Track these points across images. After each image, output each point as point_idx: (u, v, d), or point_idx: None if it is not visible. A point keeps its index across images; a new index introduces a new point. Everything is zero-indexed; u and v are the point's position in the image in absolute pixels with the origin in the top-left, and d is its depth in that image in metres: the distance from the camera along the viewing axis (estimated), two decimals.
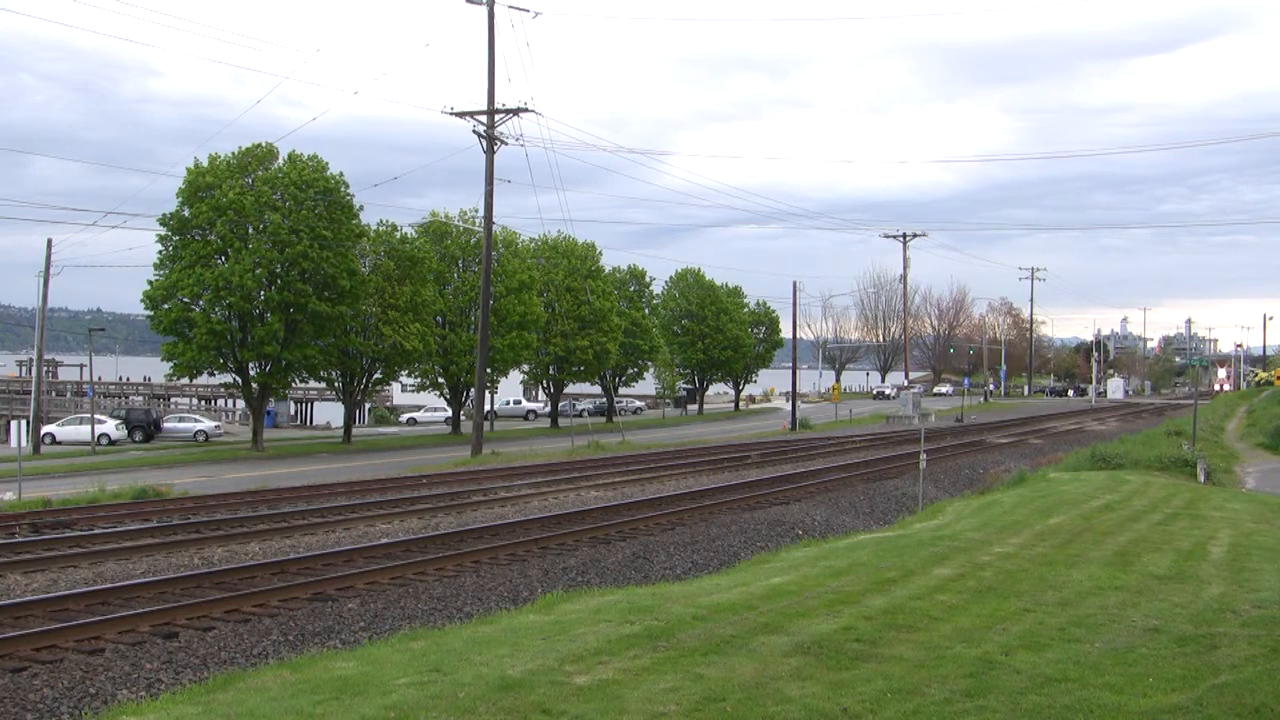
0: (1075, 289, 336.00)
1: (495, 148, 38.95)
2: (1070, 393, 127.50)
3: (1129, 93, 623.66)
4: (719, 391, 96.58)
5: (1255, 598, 12.02)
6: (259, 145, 44.86)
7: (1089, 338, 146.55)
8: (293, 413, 74.93)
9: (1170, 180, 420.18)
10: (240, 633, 12.38)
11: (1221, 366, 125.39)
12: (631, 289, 74.81)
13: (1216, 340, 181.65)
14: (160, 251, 43.65)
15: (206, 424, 56.98)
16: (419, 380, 57.05)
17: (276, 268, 43.05)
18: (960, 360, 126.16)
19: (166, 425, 56.61)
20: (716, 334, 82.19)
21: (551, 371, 66.18)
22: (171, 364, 43.87)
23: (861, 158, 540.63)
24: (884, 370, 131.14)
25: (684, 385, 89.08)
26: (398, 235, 51.71)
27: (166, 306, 43.14)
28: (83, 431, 50.01)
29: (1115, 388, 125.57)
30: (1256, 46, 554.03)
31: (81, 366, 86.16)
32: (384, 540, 18.56)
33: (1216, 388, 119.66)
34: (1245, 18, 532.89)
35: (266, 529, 19.83)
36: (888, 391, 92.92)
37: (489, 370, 50.87)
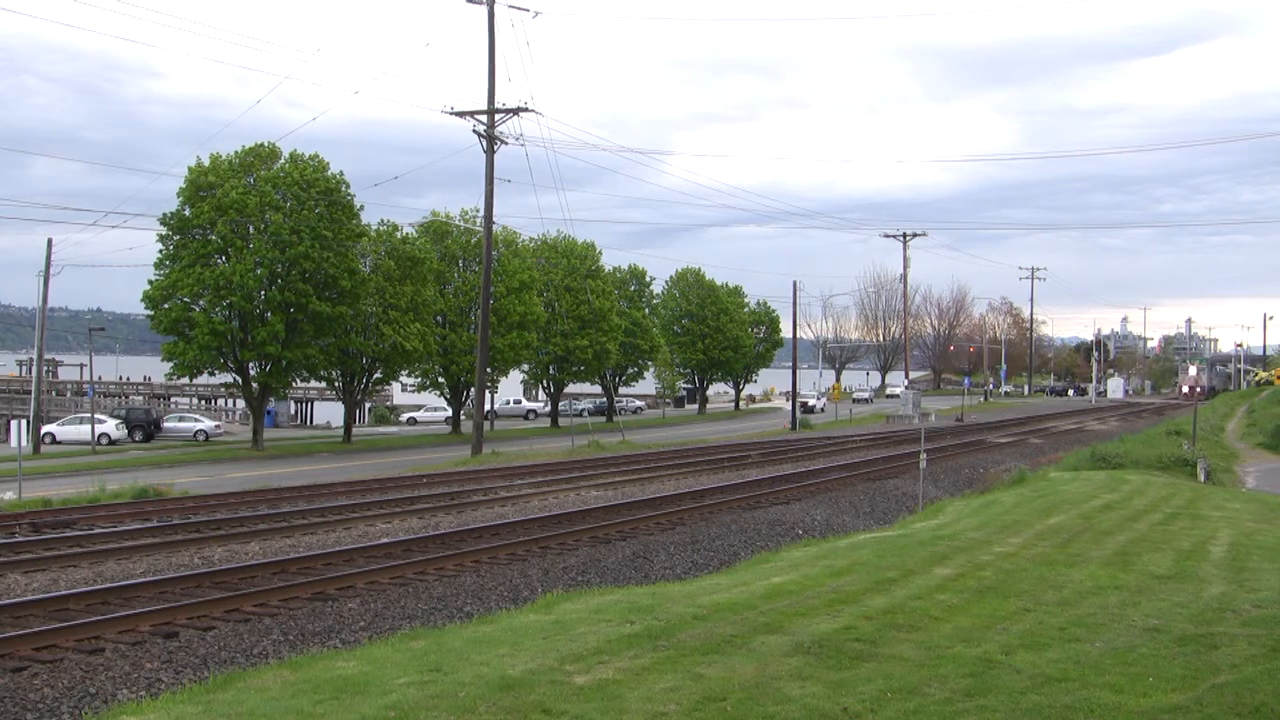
0: (1075, 289, 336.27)
1: (495, 147, 38.95)
2: (1070, 392, 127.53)
3: (1125, 94, 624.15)
4: (719, 391, 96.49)
5: (1256, 597, 12.02)
6: (262, 145, 44.86)
7: (1089, 337, 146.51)
8: (293, 412, 74.90)
9: (1168, 181, 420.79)
10: (240, 632, 12.38)
11: (1193, 364, 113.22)
12: (631, 289, 74.83)
13: (1217, 340, 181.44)
14: (161, 251, 43.65)
15: (206, 424, 56.95)
16: (419, 380, 57.06)
17: (277, 267, 43.04)
18: (960, 360, 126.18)
19: (166, 425, 56.58)
20: (717, 334, 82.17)
21: (551, 371, 66.19)
22: (171, 364, 43.85)
23: (859, 158, 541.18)
24: (884, 370, 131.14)
25: (684, 385, 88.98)
26: (398, 235, 51.72)
27: (166, 306, 43.13)
28: (83, 431, 49.99)
29: (1115, 387, 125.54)
30: (1251, 49, 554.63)
31: (81, 366, 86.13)
32: (384, 540, 18.55)
33: (1185, 389, 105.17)
34: (1239, 20, 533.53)
35: (267, 528, 19.83)
36: (813, 403, 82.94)
37: (489, 370, 50.88)
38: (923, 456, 25.08)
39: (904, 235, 79.41)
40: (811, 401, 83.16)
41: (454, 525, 20.79)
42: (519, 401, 78.90)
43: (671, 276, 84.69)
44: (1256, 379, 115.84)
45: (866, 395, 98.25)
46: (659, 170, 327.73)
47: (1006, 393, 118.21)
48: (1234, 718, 7.50)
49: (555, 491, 26.55)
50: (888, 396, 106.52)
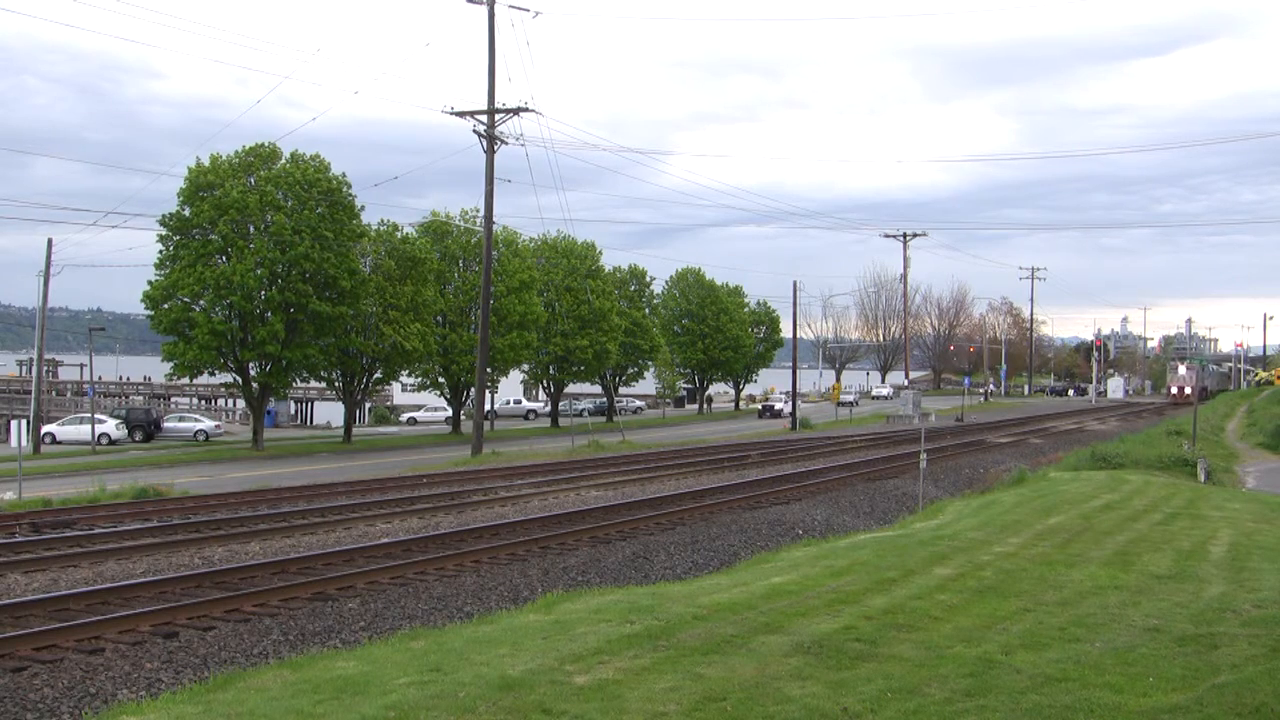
0: (1075, 289, 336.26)
1: (495, 147, 38.95)
2: (1070, 392, 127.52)
3: (1125, 94, 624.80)
4: (720, 391, 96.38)
5: (1256, 597, 12.02)
6: (262, 145, 44.84)
7: (1089, 337, 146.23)
8: (293, 412, 74.88)
9: (1167, 181, 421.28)
10: (240, 632, 12.38)
11: (1182, 363, 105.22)
12: (631, 288, 74.81)
13: (1217, 340, 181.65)
14: (161, 251, 43.64)
15: (207, 424, 56.94)
16: (419, 380, 57.03)
17: (278, 267, 43.02)
18: (960, 360, 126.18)
19: (167, 425, 56.56)
20: (717, 334, 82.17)
21: (551, 371, 66.20)
22: (172, 364, 43.82)
23: (859, 158, 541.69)
24: (884, 370, 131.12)
25: (684, 385, 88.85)
26: (399, 235, 51.71)
27: (167, 306, 43.12)
28: (83, 431, 49.97)
29: (1115, 387, 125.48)
30: (1249, 49, 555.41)
31: (81, 366, 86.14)
32: (384, 540, 18.56)
33: (1174, 390, 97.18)
34: (1239, 21, 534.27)
35: (267, 528, 19.83)
36: (779, 406, 76.44)
37: (489, 370, 50.87)
38: (923, 456, 25.09)
39: (904, 235, 79.53)
40: (779, 405, 77.00)
41: (454, 525, 20.79)
42: (519, 401, 78.87)
43: (671, 276, 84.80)
44: (1257, 379, 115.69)
45: (851, 398, 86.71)
46: (659, 170, 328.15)
47: (1002, 392, 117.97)
48: (1234, 718, 7.50)
49: (555, 491, 26.55)
50: (873, 398, 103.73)
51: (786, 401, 78.49)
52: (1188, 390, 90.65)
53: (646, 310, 76.06)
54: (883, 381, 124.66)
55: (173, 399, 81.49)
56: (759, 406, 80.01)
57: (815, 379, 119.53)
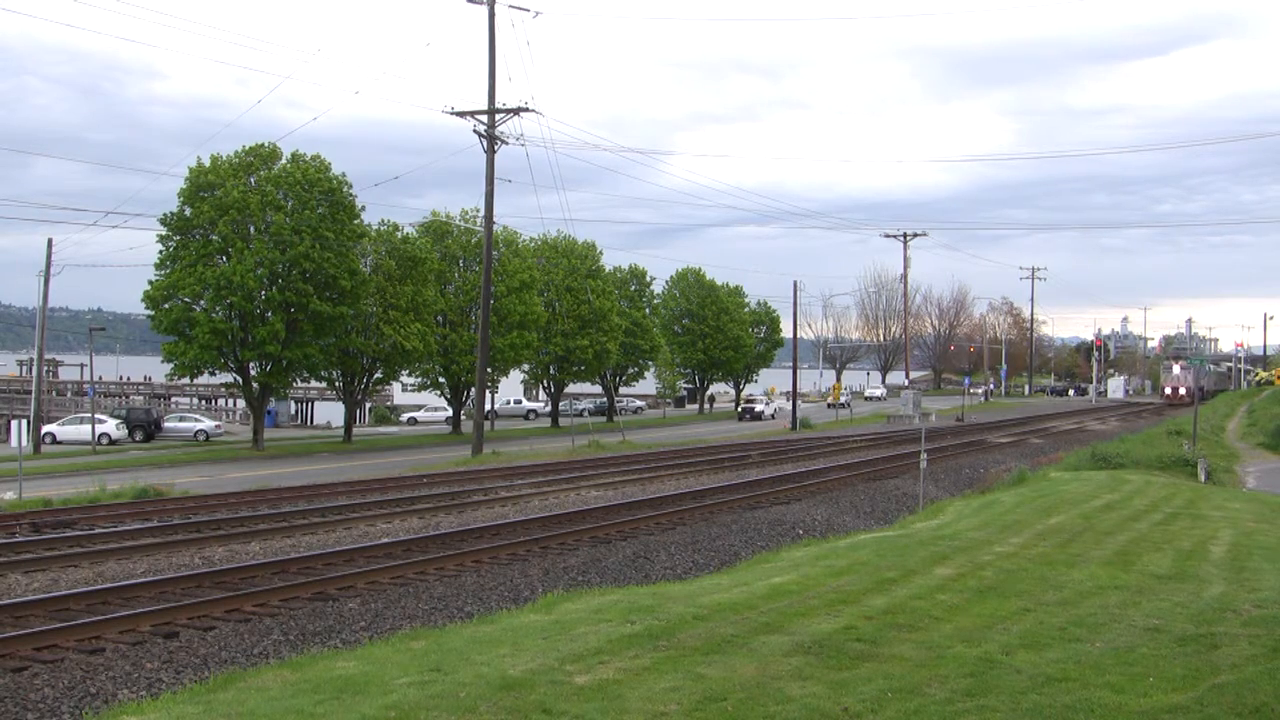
0: (1075, 289, 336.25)
1: (496, 147, 38.94)
2: (1071, 392, 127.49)
3: (1123, 95, 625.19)
4: (720, 391, 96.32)
5: (1256, 597, 12.02)
6: (262, 145, 44.87)
7: (1089, 337, 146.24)
8: (293, 412, 74.89)
9: (1166, 181, 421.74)
10: (241, 632, 12.38)
11: (1176, 362, 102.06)
12: (632, 288, 74.81)
13: (1217, 340, 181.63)
14: (161, 251, 43.66)
15: (207, 424, 56.94)
16: (419, 380, 57.06)
17: (278, 267, 43.04)
18: (961, 360, 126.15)
19: (167, 425, 56.55)
20: (717, 334, 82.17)
21: (552, 371, 66.21)
22: (172, 364, 43.84)
23: (859, 158, 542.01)
24: (884, 370, 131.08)
25: (684, 385, 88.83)
26: (399, 235, 51.72)
27: (167, 306, 43.14)
28: (83, 431, 49.96)
29: (1115, 387, 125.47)
30: (1247, 50, 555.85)
31: (82, 366, 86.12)
32: (385, 540, 18.55)
33: (1168, 391, 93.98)
34: (1237, 21, 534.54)
35: (267, 528, 19.82)
36: (760, 408, 73.63)
37: (489, 370, 50.87)
38: (923, 456, 25.08)
39: (904, 235, 79.41)
40: (759, 407, 74.78)
41: (454, 525, 20.79)
42: (519, 401, 78.86)
43: (672, 276, 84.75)
44: (1257, 379, 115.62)
45: (844, 399, 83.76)
46: (659, 170, 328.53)
47: (1002, 392, 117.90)
48: (1234, 718, 7.50)
49: (556, 491, 26.55)
50: (867, 399, 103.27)
51: (768, 402, 77.80)
52: (1183, 391, 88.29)
53: (647, 310, 76.05)
54: (882, 381, 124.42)
55: (173, 399, 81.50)
56: (739, 410, 77.26)
57: (816, 379, 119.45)
